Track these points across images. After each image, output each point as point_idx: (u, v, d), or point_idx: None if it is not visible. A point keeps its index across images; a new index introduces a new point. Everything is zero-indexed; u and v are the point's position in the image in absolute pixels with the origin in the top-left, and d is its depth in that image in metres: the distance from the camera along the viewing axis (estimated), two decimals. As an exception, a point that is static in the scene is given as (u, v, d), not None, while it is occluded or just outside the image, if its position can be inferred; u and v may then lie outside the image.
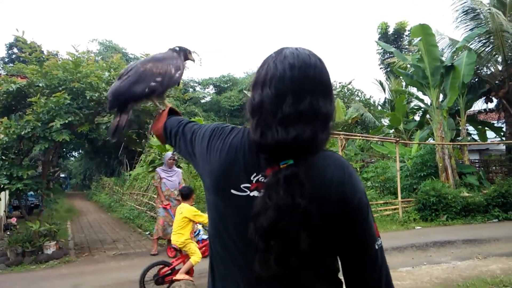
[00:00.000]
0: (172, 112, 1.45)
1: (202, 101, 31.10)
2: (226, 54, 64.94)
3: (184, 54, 1.64)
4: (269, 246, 0.90)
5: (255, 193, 0.96)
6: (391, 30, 23.95)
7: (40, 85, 7.65)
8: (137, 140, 9.35)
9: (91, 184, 28.30)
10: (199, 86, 32.42)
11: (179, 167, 9.16)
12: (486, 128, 15.02)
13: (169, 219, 7.21)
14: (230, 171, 1.00)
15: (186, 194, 5.14)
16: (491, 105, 14.93)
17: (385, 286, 0.99)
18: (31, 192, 10.31)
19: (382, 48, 22.45)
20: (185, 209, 4.89)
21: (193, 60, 1.72)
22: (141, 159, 14.13)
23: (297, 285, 0.96)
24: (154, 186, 7.70)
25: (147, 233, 9.57)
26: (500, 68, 13.77)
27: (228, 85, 31.46)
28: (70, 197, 26.17)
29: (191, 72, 61.91)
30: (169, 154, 7.77)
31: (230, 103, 28.22)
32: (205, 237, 6.78)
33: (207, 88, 32.66)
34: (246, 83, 29.33)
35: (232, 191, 0.99)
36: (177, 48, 1.61)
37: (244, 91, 20.10)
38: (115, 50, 27.84)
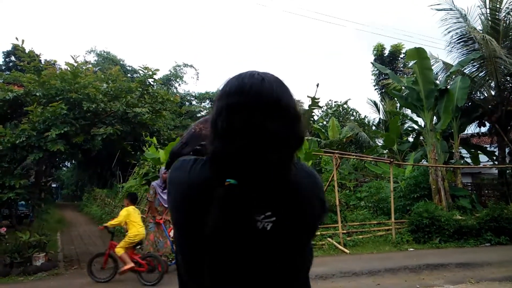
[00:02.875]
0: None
1: (198, 115, 31.16)
2: (223, 69, 65.50)
3: None
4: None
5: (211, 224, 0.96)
6: (386, 52, 24.35)
7: (37, 94, 7.66)
8: (132, 152, 9.34)
9: (82, 195, 27.97)
10: (196, 100, 32.53)
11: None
12: (478, 151, 15.17)
13: (160, 234, 7.15)
14: (193, 202, 0.99)
15: (134, 199, 6.88)
16: (484, 129, 15.13)
17: None
18: (22, 202, 10.18)
19: (377, 70, 22.79)
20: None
21: None
22: (134, 172, 14.04)
23: None
24: (148, 200, 7.58)
25: (138, 247, 9.43)
26: (493, 93, 14.01)
27: (225, 100, 31.69)
28: (61, 207, 25.80)
29: (188, 86, 62.16)
30: (164, 168, 7.73)
31: (226, 118, 28.37)
32: None
33: (204, 102, 32.77)
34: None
35: (194, 222, 0.99)
36: None
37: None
38: (113, 61, 27.97)
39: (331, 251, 8.91)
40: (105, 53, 30.92)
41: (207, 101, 32.64)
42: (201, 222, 0.92)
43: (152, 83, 9.12)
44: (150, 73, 8.68)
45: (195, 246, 0.97)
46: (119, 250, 6.30)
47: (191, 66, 32.30)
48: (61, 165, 30.75)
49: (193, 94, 32.39)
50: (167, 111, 9.62)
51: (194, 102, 32.44)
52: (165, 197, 7.32)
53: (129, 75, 26.10)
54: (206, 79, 66.79)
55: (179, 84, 32.17)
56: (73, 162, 27.58)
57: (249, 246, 0.93)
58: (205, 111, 31.28)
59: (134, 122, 8.22)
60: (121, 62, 29.47)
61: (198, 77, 33.54)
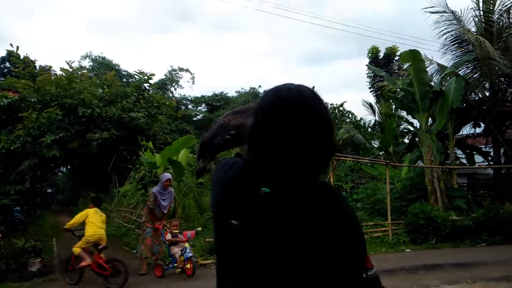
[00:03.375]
0: (238, 155, 1.47)
1: (194, 119, 31.17)
2: (219, 73, 65.54)
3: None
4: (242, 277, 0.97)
5: (239, 224, 1.00)
6: (381, 55, 24.47)
7: (32, 100, 7.65)
8: (128, 157, 9.33)
9: (78, 200, 27.82)
10: (192, 104, 32.54)
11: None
12: (474, 152, 15.24)
13: (157, 238, 7.13)
14: (228, 202, 1.04)
15: (98, 202, 7.33)
16: (479, 130, 15.20)
17: None
18: (17, 208, 10.12)
19: (372, 72, 22.88)
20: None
21: None
22: (130, 176, 14.00)
23: None
24: (148, 207, 7.47)
25: (135, 251, 9.40)
26: (487, 94, 14.11)
27: (221, 103, 31.65)
28: (56, 213, 25.63)
29: (184, 90, 62.20)
30: (166, 175, 7.68)
31: (222, 122, 28.35)
32: (190, 255, 6.69)
33: (200, 106, 32.80)
34: (238, 102, 29.50)
35: (229, 221, 1.01)
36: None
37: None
38: (108, 66, 27.95)
39: (329, 253, 8.91)
40: (100, 58, 30.89)
41: (203, 105, 32.65)
42: (225, 218, 0.99)
43: (147, 87, 9.13)
44: (146, 77, 8.70)
45: (220, 242, 1.06)
46: (76, 250, 6.47)
47: (186, 70, 32.37)
48: (56, 170, 30.58)
49: (189, 98, 32.45)
50: (163, 116, 9.63)
51: (190, 106, 32.45)
52: (164, 203, 7.33)
53: (124, 80, 26.07)
54: (202, 83, 66.92)
55: (175, 88, 32.24)
56: (69, 167, 27.45)
57: (265, 246, 0.96)
58: (201, 115, 31.29)
59: (130, 126, 8.23)
60: (116, 67, 29.45)
61: (193, 81, 33.57)
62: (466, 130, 15.53)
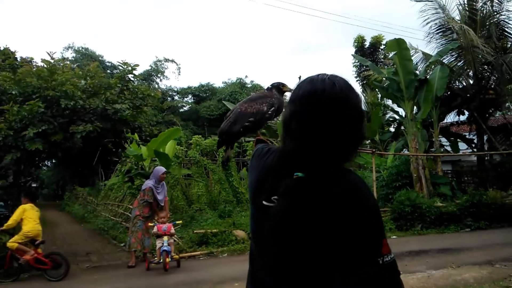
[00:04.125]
0: (260, 140, 1.55)
1: (181, 110, 30.91)
2: (205, 63, 64.87)
3: (278, 89, 1.84)
4: (273, 246, 1.09)
5: (273, 203, 1.11)
6: (367, 44, 24.52)
7: (13, 92, 7.46)
8: (113, 150, 9.20)
9: (64, 195, 27.50)
10: (178, 95, 32.22)
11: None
12: (458, 139, 15.49)
13: (147, 232, 7.10)
14: (263, 185, 1.16)
15: (33, 197, 7.14)
16: (463, 118, 15.42)
17: None
18: (1, 203, 9.93)
19: (358, 61, 22.94)
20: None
21: (289, 90, 1.83)
22: (116, 169, 13.86)
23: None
24: (147, 201, 7.27)
25: (122, 244, 9.35)
26: (471, 82, 14.29)
27: (207, 94, 31.41)
28: (41, 207, 25.20)
29: (170, 81, 61.55)
30: (161, 169, 7.60)
31: (209, 113, 28.12)
32: (165, 249, 6.57)
33: (186, 97, 32.50)
34: (225, 93, 29.33)
35: (264, 202, 1.12)
36: (270, 86, 1.85)
37: (223, 101, 20.07)
38: (91, 57, 27.42)
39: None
40: (83, 49, 30.28)
41: (190, 96, 32.34)
42: (261, 198, 1.13)
43: (132, 78, 8.98)
44: (130, 68, 8.55)
45: (255, 220, 1.22)
46: (13, 245, 6.44)
47: (172, 61, 31.96)
48: (40, 164, 30.10)
49: (175, 89, 32.09)
50: (148, 107, 9.49)
51: (176, 97, 32.13)
52: (160, 197, 7.28)
53: (108, 71, 25.64)
54: (188, 73, 66.21)
55: (161, 79, 31.86)
56: (53, 161, 27.03)
57: (293, 223, 1.04)
58: (187, 106, 31.02)
59: (115, 118, 8.10)
60: (100, 58, 28.93)
61: (179, 72, 33.32)
62: (450, 117, 15.77)
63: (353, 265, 0.99)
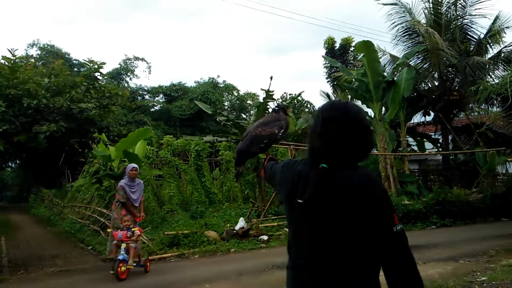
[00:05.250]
0: (271, 159, 2.02)
1: (152, 109, 30.35)
2: (177, 63, 64.02)
3: (283, 110, 2.20)
4: (311, 238, 1.44)
5: (305, 199, 1.43)
6: (337, 45, 24.91)
7: (-29, 90, 7.08)
8: (80, 150, 8.91)
9: (29, 197, 26.44)
10: (148, 94, 31.62)
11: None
12: (424, 139, 15.99)
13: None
14: (296, 188, 1.49)
15: None
16: (429, 118, 15.94)
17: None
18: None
19: (328, 63, 23.27)
20: None
21: (290, 114, 2.51)
22: (84, 170, 13.45)
23: (337, 276, 1.39)
24: (120, 202, 6.88)
25: (90, 248, 9.07)
26: (436, 83, 14.78)
27: (179, 94, 30.98)
28: (5, 210, 24.25)
29: (140, 80, 60.39)
30: (130, 165, 7.28)
31: (181, 112, 27.73)
32: (121, 257, 6.10)
33: (157, 96, 31.93)
34: (197, 92, 29.03)
35: (298, 200, 1.45)
36: (277, 108, 2.20)
37: (195, 101, 19.87)
38: (58, 55, 26.47)
39: (288, 241, 9.03)
40: (49, 47, 29.19)
41: (161, 95, 31.78)
42: (295, 198, 1.46)
43: (99, 77, 8.72)
44: (96, 66, 8.29)
45: (290, 216, 1.56)
46: None
47: (142, 59, 31.34)
48: (3, 166, 28.81)
49: (146, 88, 31.47)
50: (116, 106, 9.23)
51: (147, 97, 31.52)
52: (134, 196, 6.84)
53: (75, 69, 24.82)
54: (159, 73, 65.06)
55: (130, 78, 31.14)
56: (17, 162, 25.93)
57: (322, 210, 1.40)
58: (158, 106, 30.48)
59: (80, 118, 7.84)
60: (66, 56, 27.97)
61: (150, 70, 32.48)
62: (417, 118, 16.27)
63: (374, 234, 1.35)
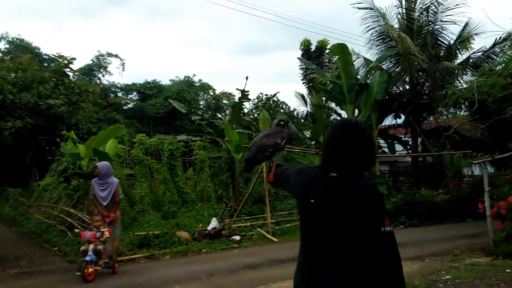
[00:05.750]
0: (278, 165, 2.32)
1: (125, 107, 29.73)
2: (152, 60, 62.97)
3: (286, 124, 2.59)
4: (320, 233, 1.71)
5: (316, 200, 1.71)
6: (313, 48, 25.17)
7: None
8: (47, 148, 8.60)
9: (-7, 196, 25.35)
10: (122, 91, 30.95)
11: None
12: (395, 141, 16.38)
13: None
14: (309, 190, 1.76)
15: None
16: (400, 121, 16.34)
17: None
18: None
19: (304, 64, 23.49)
20: None
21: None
22: (52, 168, 13.02)
23: (336, 268, 1.65)
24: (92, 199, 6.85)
25: (56, 249, 8.79)
26: (407, 87, 15.17)
27: (153, 92, 30.49)
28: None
29: (113, 77, 59.12)
30: (98, 164, 7.11)
31: (155, 111, 27.30)
32: (88, 259, 5.90)
33: (130, 94, 31.30)
34: (172, 91, 28.66)
35: (311, 200, 1.72)
36: (282, 123, 2.56)
37: (170, 100, 19.62)
38: (27, 49, 25.54)
39: (260, 241, 9.05)
40: (18, 41, 28.12)
41: (134, 93, 31.17)
42: (308, 198, 1.74)
43: (68, 72, 8.45)
44: (66, 62, 8.02)
45: (303, 214, 1.84)
46: None
47: (116, 56, 30.61)
48: (-34, 163, 27.56)
49: (119, 85, 30.78)
50: (87, 103, 8.94)
51: (120, 94, 30.84)
52: (102, 194, 6.65)
53: (45, 64, 24.00)
54: (133, 70, 63.72)
55: (103, 75, 30.35)
56: (-19, 159, 24.84)
57: (330, 210, 1.67)
58: (132, 104, 29.89)
59: (48, 114, 7.54)
60: (36, 51, 27.03)
61: (124, 67, 31.74)
62: (388, 121, 16.65)
63: (364, 232, 1.60)
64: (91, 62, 29.60)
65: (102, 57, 30.07)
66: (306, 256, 1.80)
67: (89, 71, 29.09)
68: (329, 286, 1.66)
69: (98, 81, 29.33)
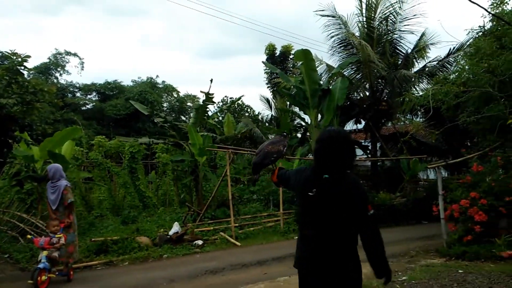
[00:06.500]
0: (281, 168, 2.84)
1: (83, 108, 28.64)
2: (113, 60, 61.06)
3: (286, 135, 3.20)
4: (316, 219, 2.31)
5: (314, 193, 2.27)
6: (278, 52, 25.42)
7: None
8: (-2, 150, 8.12)
9: None
10: (80, 92, 29.79)
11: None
12: (355, 146, 16.81)
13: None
14: (305, 185, 2.34)
15: None
16: (360, 126, 16.79)
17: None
18: None
19: (269, 68, 23.67)
20: None
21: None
22: (3, 171, 12.31)
23: (329, 245, 2.27)
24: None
25: (6, 256, 8.28)
26: (367, 94, 15.63)
27: (114, 92, 29.58)
28: None
29: (71, 77, 56.85)
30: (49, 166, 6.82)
31: (116, 112, 26.47)
32: (40, 266, 5.67)
33: (90, 94, 30.19)
34: (134, 92, 27.96)
35: (308, 193, 2.28)
36: (285, 133, 3.22)
37: (131, 101, 19.12)
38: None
39: (223, 245, 8.97)
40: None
41: (94, 93, 30.10)
42: (307, 192, 2.29)
43: (23, 71, 8.02)
44: (20, 59, 7.63)
45: (303, 204, 2.43)
46: None
47: (75, 54, 29.42)
48: None
49: (77, 85, 29.61)
50: (42, 103, 8.52)
51: (78, 94, 29.68)
52: (51, 197, 6.41)
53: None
54: (93, 70, 61.51)
55: (61, 74, 29.06)
56: None
57: (325, 201, 2.25)
58: (91, 104, 28.85)
59: (0, 114, 7.14)
60: (-13, 47, 25.51)
61: (83, 67, 30.55)
62: (349, 126, 17.04)
63: (356, 216, 2.24)
64: (48, 61, 28.32)
65: (60, 56, 28.83)
66: (305, 233, 2.39)
67: (46, 69, 27.81)
68: (325, 253, 2.26)
69: (55, 81, 28.09)
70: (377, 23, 14.89)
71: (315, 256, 2.29)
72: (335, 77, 14.40)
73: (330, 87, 13.49)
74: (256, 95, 49.23)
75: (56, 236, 6.05)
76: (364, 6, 14.64)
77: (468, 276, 5.53)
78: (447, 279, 5.46)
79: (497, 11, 7.44)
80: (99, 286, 6.00)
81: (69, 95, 28.29)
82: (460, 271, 5.88)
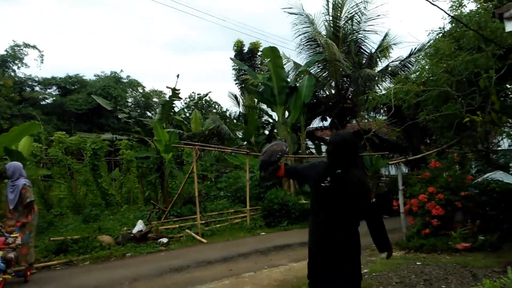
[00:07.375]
0: (286, 164, 3.32)
1: (43, 102, 27.40)
2: (75, 53, 58.58)
3: (286, 140, 7.38)
4: (327, 205, 2.87)
5: (327, 184, 2.83)
6: (246, 49, 25.36)
7: None
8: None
9: None
10: (39, 85, 28.46)
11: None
12: (321, 143, 17.11)
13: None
14: (319, 177, 2.89)
15: None
16: (326, 123, 17.08)
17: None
18: None
19: (237, 65, 23.60)
20: None
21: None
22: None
23: (337, 226, 2.82)
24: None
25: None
26: (333, 92, 15.92)
27: (76, 86, 28.48)
28: None
29: (30, 70, 54.24)
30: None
31: (77, 107, 25.48)
32: None
33: (50, 88, 28.89)
34: (97, 86, 27.04)
35: (322, 184, 2.85)
36: (284, 139, 7.33)
37: (93, 96, 18.50)
38: None
39: (189, 242, 8.87)
40: None
41: (54, 87, 28.85)
42: (320, 183, 2.87)
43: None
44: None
45: (316, 193, 3.00)
46: None
47: (33, 47, 28.02)
48: None
49: (36, 79, 28.27)
50: (1, 98, 8.06)
51: (37, 88, 28.34)
52: (10, 197, 6.17)
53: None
54: (53, 63, 58.83)
55: (19, 67, 27.64)
56: None
57: (336, 191, 2.81)
58: (51, 99, 27.64)
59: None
60: None
61: (42, 60, 29.12)
62: (316, 123, 17.32)
63: (361, 203, 2.76)
64: (5, 53, 26.86)
65: (18, 48, 27.37)
66: (317, 218, 2.94)
67: (3, 62, 26.34)
68: (333, 236, 2.79)
69: (12, 74, 26.70)
70: (343, 22, 15.18)
71: (325, 237, 2.83)
72: (302, 75, 14.58)
73: (297, 84, 13.64)
74: (224, 92, 48.99)
75: (12, 236, 5.77)
76: (330, 5, 14.89)
77: (426, 268, 5.75)
78: (406, 271, 5.66)
79: (456, 13, 7.74)
80: (57, 287, 5.78)
81: (27, 89, 26.96)
82: (418, 263, 6.11)
